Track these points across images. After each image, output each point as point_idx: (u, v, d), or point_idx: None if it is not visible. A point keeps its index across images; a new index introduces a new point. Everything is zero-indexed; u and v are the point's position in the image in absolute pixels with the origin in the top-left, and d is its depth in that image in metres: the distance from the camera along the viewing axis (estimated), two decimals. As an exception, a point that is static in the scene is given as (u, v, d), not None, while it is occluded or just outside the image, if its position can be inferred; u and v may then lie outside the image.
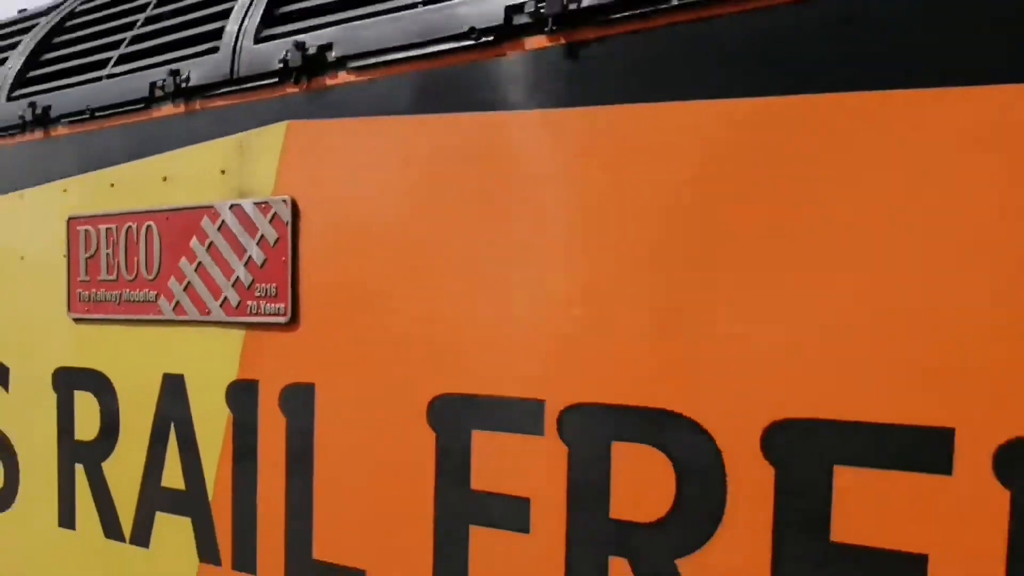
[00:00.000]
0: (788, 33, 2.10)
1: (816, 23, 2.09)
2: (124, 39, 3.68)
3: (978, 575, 1.96)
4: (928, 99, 1.96)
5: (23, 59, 4.04)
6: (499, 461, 2.54)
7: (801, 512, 2.13)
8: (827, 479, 2.11)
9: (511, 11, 2.57)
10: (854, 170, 2.05)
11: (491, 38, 2.55)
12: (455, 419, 2.63)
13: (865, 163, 2.05)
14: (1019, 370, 1.89)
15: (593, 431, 2.38)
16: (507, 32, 2.55)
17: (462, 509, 2.58)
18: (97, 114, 3.57)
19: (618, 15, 2.37)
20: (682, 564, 2.29)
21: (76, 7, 4.10)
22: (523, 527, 2.49)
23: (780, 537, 2.15)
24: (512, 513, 2.50)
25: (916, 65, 1.98)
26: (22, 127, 3.83)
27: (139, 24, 3.60)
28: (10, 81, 3.99)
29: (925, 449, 1.99)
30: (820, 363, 2.08)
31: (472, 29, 2.62)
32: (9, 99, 3.92)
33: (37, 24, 4.21)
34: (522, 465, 2.48)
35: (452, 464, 2.62)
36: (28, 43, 4.08)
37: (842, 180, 2.06)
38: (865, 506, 2.07)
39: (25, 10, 4.57)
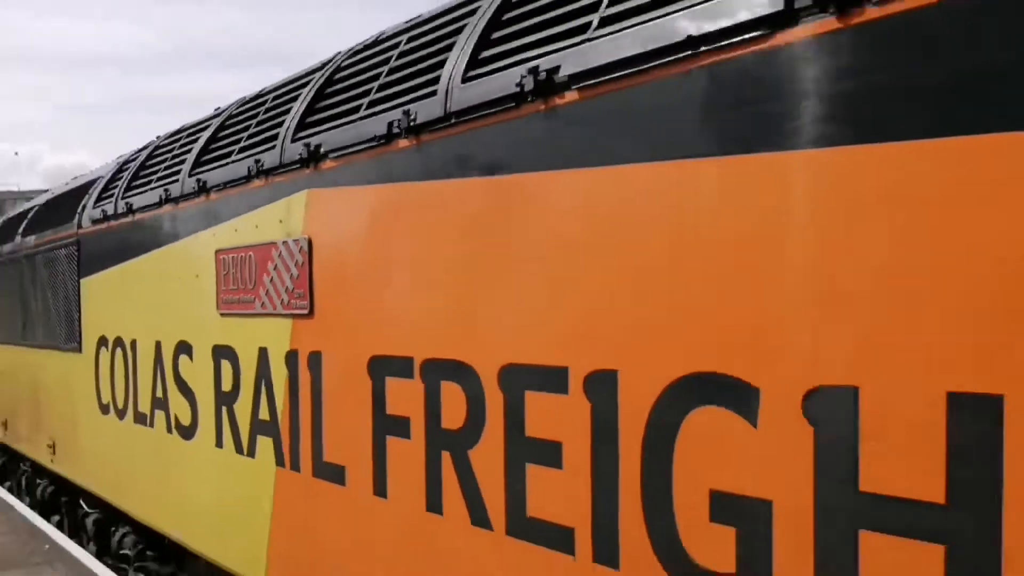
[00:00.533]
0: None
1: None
2: (372, 88, 4.73)
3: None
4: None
5: (302, 108, 5.29)
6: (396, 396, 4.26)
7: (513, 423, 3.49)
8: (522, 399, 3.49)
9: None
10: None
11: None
12: (380, 371, 4.36)
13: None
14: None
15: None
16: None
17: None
18: (351, 150, 4.62)
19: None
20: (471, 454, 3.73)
21: (342, 62, 5.26)
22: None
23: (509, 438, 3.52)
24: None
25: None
26: (301, 162, 5.06)
27: (383, 75, 4.67)
28: (293, 126, 5.21)
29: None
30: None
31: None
32: (293, 140, 5.10)
33: (311, 80, 5.45)
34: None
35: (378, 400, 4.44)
36: (306, 96, 5.33)
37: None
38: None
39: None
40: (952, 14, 2.31)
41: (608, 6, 3.29)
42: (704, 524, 2.77)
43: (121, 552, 7.99)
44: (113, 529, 8.26)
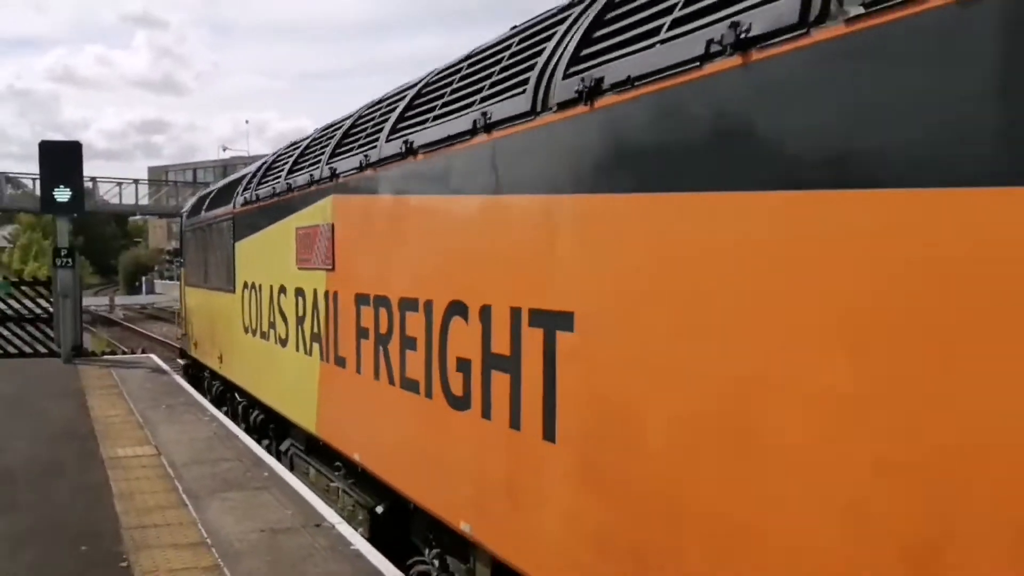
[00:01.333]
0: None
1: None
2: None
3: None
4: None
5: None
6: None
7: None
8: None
9: None
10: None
11: None
12: (358, 302, 7.81)
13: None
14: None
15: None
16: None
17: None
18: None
19: None
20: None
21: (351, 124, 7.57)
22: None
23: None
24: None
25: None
26: (331, 177, 7.50)
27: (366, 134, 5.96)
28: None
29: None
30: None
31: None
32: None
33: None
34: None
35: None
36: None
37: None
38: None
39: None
40: (632, 111, 3.99)
41: (443, 107, 6.14)
42: (455, 372, 5.77)
43: (257, 424, 12.53)
44: (253, 411, 12.70)
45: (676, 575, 3.81)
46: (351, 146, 8.04)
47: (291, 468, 10.23)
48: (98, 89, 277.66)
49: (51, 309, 19.31)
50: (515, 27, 6.03)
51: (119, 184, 60.57)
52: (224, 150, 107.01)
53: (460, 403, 5.66)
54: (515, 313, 5.03)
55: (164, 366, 17.53)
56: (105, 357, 20.40)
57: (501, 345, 5.19)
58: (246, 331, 12.14)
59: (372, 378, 7.19)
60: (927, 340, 2.80)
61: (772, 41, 3.37)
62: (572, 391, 4.51)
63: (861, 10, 3.02)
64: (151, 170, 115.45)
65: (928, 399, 2.79)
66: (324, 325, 8.47)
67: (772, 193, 3.35)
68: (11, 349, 19.65)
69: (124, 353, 24.26)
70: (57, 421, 11.72)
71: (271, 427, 11.53)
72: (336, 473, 8.90)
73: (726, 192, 3.56)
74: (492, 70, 5.77)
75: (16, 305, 20.01)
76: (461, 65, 6.48)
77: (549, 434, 4.71)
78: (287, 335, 9.89)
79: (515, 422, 5.02)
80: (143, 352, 22.53)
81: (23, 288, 20.43)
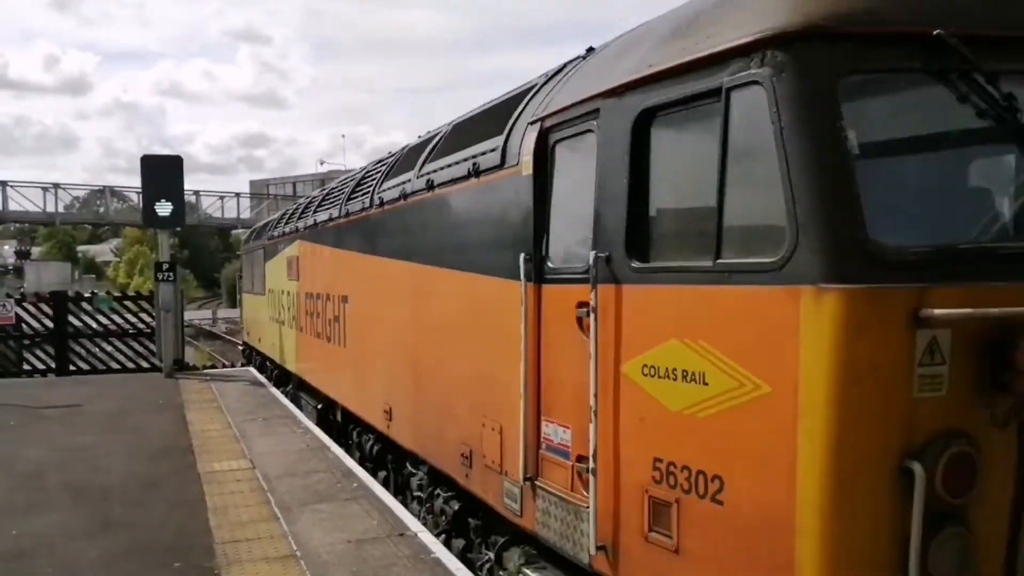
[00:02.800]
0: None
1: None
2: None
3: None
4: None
5: (307, 211, 11.94)
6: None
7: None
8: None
9: None
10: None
11: None
12: (312, 298, 14.77)
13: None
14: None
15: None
16: None
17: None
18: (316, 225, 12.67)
19: None
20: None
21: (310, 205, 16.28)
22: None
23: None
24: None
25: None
26: (296, 231, 15.92)
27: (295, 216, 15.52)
28: (296, 219, 11.83)
29: None
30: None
31: None
32: (298, 221, 12.04)
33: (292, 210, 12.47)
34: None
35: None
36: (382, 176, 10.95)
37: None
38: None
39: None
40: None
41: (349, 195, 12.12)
42: (330, 324, 12.61)
43: (285, 391, 17.64)
44: (275, 371, 19.19)
45: (386, 400, 10.12)
46: (304, 215, 15.33)
47: (294, 401, 16.47)
48: (202, 103, 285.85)
49: (153, 324, 20.16)
50: (390, 154, 11.85)
51: (221, 198, 62.41)
52: (321, 164, 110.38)
53: (332, 339, 12.80)
54: (341, 297, 12.21)
55: (261, 379, 18.23)
56: (205, 371, 21.26)
57: (337, 311, 12.53)
58: (268, 319, 19.41)
59: (312, 336, 14.32)
60: (467, 331, 7.39)
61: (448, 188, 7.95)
62: (351, 326, 11.61)
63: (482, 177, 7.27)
64: (252, 184, 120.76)
65: (472, 355, 7.38)
66: (297, 310, 15.70)
67: (428, 267, 8.72)
68: (114, 365, 20.55)
69: (224, 366, 25.44)
70: (156, 436, 12.30)
71: (284, 379, 18.16)
72: (306, 394, 15.57)
73: (407, 261, 9.17)
74: (372, 181, 11.42)
75: (119, 320, 21.00)
76: (367, 167, 12.67)
77: (344, 344, 11.94)
78: (283, 317, 17.21)
79: (341, 342, 12.31)
80: (242, 365, 23.00)
81: (126, 303, 21.41)
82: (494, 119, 7.06)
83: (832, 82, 4.10)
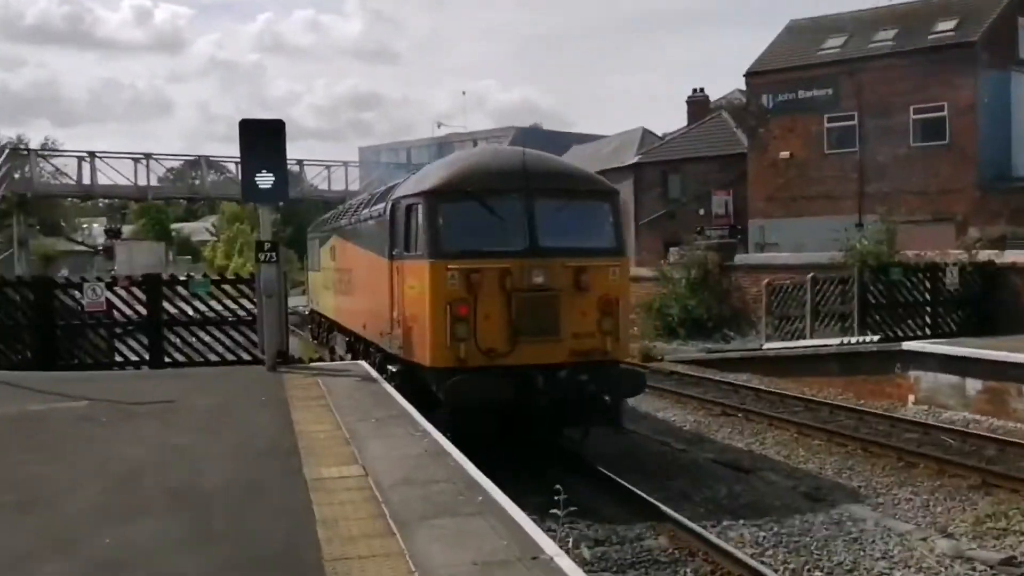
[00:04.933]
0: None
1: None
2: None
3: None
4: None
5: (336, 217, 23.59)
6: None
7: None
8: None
9: None
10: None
11: None
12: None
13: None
14: None
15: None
16: None
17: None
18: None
19: None
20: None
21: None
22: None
23: None
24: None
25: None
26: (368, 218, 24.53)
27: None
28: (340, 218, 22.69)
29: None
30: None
31: None
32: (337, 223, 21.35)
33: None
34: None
35: None
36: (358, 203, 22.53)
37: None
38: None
39: None
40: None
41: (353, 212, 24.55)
42: (344, 284, 26.54)
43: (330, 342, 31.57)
44: (326, 324, 32.26)
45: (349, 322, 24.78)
46: (338, 218, 27.96)
47: (332, 340, 29.21)
48: (307, 59, 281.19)
49: (255, 311, 20.03)
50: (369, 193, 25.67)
51: (327, 167, 61.70)
52: (439, 127, 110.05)
53: (347, 293, 25.85)
54: (348, 269, 25.65)
55: (374, 374, 18.50)
56: (312, 365, 21.32)
57: (348, 277, 26.31)
58: (322, 287, 31.51)
59: (340, 294, 27.08)
60: (370, 280, 21.44)
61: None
62: (351, 284, 25.30)
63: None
64: (362, 151, 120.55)
65: (372, 292, 20.84)
66: (335, 279, 26.84)
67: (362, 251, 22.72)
68: (212, 357, 20.88)
69: (333, 359, 26.44)
70: (259, 437, 12.49)
71: (333, 332, 29.10)
72: (340, 333, 27.03)
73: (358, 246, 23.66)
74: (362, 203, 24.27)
75: (218, 306, 21.07)
76: (362, 197, 25.87)
77: (351, 295, 25.06)
78: (329, 284, 29.11)
79: (350, 294, 25.60)
80: (351, 358, 23.58)
81: (224, 287, 21.52)
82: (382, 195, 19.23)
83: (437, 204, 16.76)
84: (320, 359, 26.06)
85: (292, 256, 63.12)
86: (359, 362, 21.12)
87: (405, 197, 17.96)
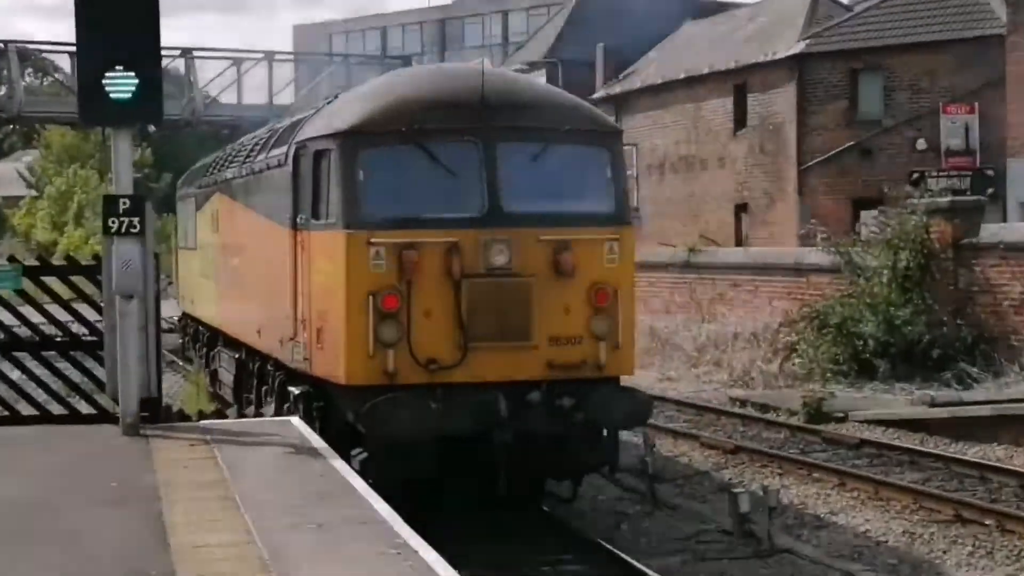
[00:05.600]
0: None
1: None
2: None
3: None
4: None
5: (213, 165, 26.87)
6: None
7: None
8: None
9: None
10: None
11: None
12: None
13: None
14: None
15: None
16: None
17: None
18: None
19: None
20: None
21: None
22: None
23: None
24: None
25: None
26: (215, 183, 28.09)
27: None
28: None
29: None
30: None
31: None
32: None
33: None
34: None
35: None
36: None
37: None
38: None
39: None
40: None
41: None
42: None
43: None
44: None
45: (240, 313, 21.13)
46: (224, 167, 21.93)
47: (223, 372, 23.68)
48: None
49: (102, 326, 14.69)
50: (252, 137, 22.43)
51: (236, 63, 45.58)
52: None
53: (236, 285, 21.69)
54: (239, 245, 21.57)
55: (315, 440, 14.18)
56: (205, 424, 16.49)
57: (238, 259, 20.44)
58: (200, 275, 25.89)
59: (225, 286, 23.15)
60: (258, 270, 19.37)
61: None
62: (216, 267, 23.32)
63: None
64: (300, 31, 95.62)
65: (266, 285, 17.27)
66: (218, 266, 22.55)
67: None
68: (23, 408, 15.41)
69: (243, 409, 20.88)
70: (102, 558, 8.88)
71: (216, 348, 25.40)
72: (227, 348, 22.86)
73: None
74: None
75: (36, 317, 15.66)
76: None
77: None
78: (210, 273, 24.13)
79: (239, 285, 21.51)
80: (287, 410, 17.65)
81: (47, 280, 15.76)
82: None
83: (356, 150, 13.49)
84: (219, 413, 20.64)
85: (171, 225, 45.96)
86: (289, 420, 16.17)
87: (313, 140, 15.41)
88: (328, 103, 17.25)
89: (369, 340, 13.65)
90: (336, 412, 15.26)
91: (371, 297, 13.61)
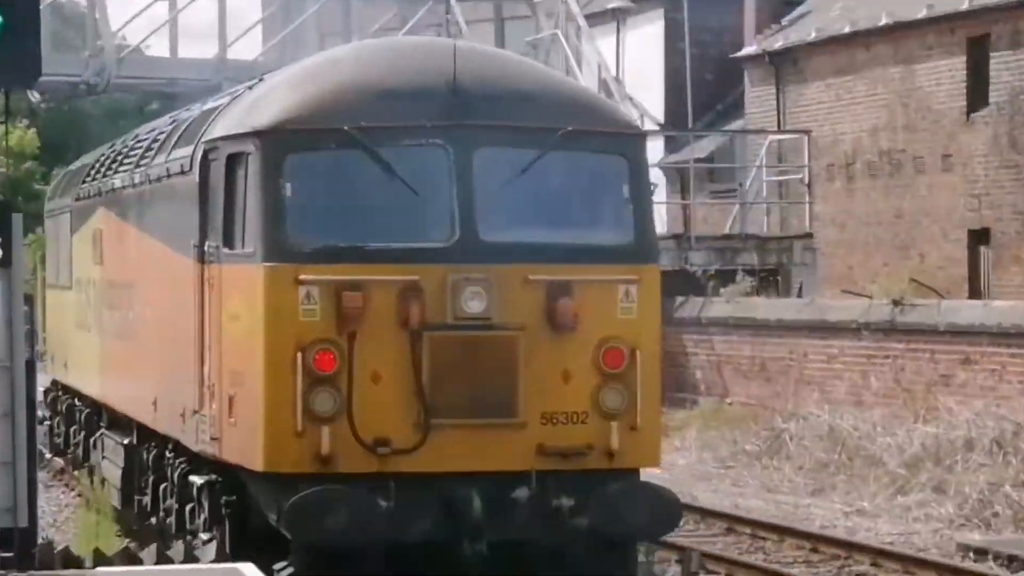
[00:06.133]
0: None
1: None
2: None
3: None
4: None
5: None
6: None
7: None
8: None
9: None
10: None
11: None
12: None
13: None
14: None
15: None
16: None
17: None
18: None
19: None
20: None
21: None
22: None
23: None
24: None
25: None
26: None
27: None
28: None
29: None
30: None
31: None
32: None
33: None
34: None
35: None
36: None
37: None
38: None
39: None
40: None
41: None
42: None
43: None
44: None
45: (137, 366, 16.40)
46: (109, 169, 17.54)
47: (108, 469, 19.16)
48: None
49: None
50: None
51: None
52: None
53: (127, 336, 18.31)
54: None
55: None
56: (103, 572, 12.02)
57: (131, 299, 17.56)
58: (74, 326, 21.38)
59: (110, 340, 18.74)
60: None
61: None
62: (97, 313, 19.59)
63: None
64: None
65: (163, 337, 13.77)
66: (101, 311, 18.17)
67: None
68: None
69: (163, 545, 14.71)
70: None
71: (98, 431, 19.90)
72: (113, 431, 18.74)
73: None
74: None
75: None
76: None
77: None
78: (89, 322, 19.66)
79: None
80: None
81: None
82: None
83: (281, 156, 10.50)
84: (129, 553, 13.99)
85: (38, 252, 38.79)
86: (236, 568, 11.68)
87: (226, 139, 12.25)
88: (249, 88, 13.51)
89: (297, 412, 10.36)
90: (253, 511, 11.89)
91: (300, 354, 10.40)
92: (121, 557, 12.71)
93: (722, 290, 29.56)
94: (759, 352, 27.48)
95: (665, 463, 19.73)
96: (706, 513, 19.28)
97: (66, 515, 19.44)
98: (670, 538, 14.38)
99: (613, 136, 11.91)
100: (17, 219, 9.61)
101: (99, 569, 11.39)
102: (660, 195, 34.19)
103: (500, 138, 11.31)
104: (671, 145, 41.45)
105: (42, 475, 18.95)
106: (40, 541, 11.50)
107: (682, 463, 24.04)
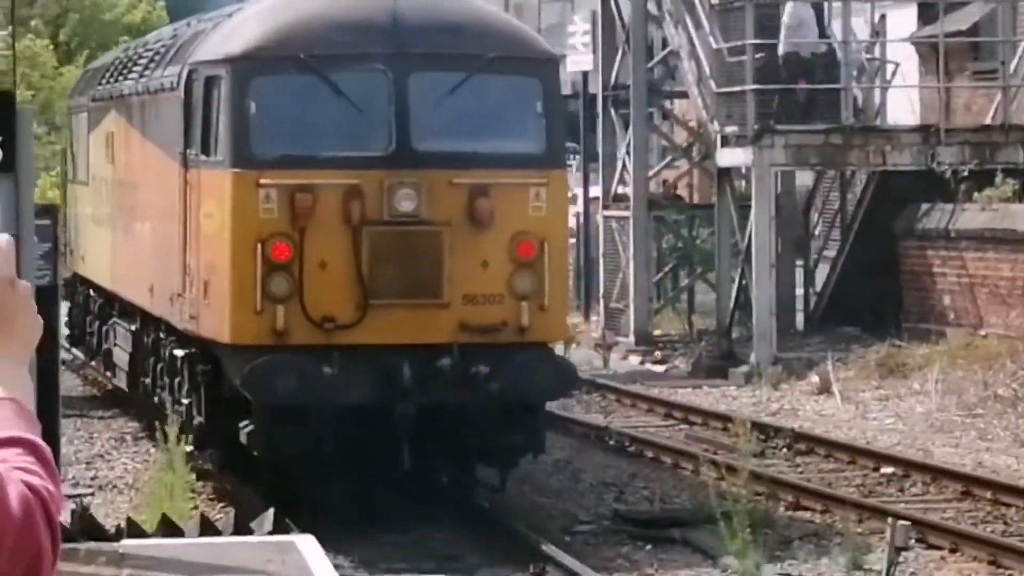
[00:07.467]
0: None
1: None
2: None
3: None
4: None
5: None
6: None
7: None
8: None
9: None
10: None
11: None
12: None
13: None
14: None
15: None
16: None
17: None
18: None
19: None
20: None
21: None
22: None
23: None
24: None
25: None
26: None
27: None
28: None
29: None
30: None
31: None
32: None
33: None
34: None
35: None
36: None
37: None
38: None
39: None
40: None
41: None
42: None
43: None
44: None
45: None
46: (123, 72, 19.34)
47: (117, 352, 20.02)
48: None
49: None
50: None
51: None
52: None
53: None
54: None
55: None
56: (131, 544, 9.87)
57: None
58: (91, 222, 22.42)
59: (119, 234, 20.89)
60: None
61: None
62: (109, 208, 20.90)
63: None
64: None
65: (158, 232, 16.84)
66: (112, 207, 19.73)
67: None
68: None
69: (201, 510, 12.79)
70: None
71: (111, 320, 21.20)
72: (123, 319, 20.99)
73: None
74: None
75: None
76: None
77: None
78: (103, 218, 21.12)
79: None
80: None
81: None
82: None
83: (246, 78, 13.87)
84: (205, 517, 10.93)
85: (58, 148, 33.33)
86: (291, 540, 9.31)
87: (205, 64, 14.67)
88: (228, 17, 15.80)
89: (256, 294, 12.92)
90: (224, 379, 14.06)
91: (260, 245, 13.01)
92: (166, 531, 10.36)
93: (977, 195, 23.68)
94: (1022, 272, 22.16)
95: (901, 409, 19.70)
96: (939, 473, 16.36)
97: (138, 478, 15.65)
98: (883, 504, 13.87)
99: (529, 61, 13.82)
100: (23, 115, 8.43)
101: (125, 541, 9.91)
102: (913, 77, 29.33)
103: (432, 64, 13.73)
104: (926, 15, 30.68)
105: (119, 422, 18.29)
106: (72, 506, 10.81)
107: (920, 410, 19.80)
